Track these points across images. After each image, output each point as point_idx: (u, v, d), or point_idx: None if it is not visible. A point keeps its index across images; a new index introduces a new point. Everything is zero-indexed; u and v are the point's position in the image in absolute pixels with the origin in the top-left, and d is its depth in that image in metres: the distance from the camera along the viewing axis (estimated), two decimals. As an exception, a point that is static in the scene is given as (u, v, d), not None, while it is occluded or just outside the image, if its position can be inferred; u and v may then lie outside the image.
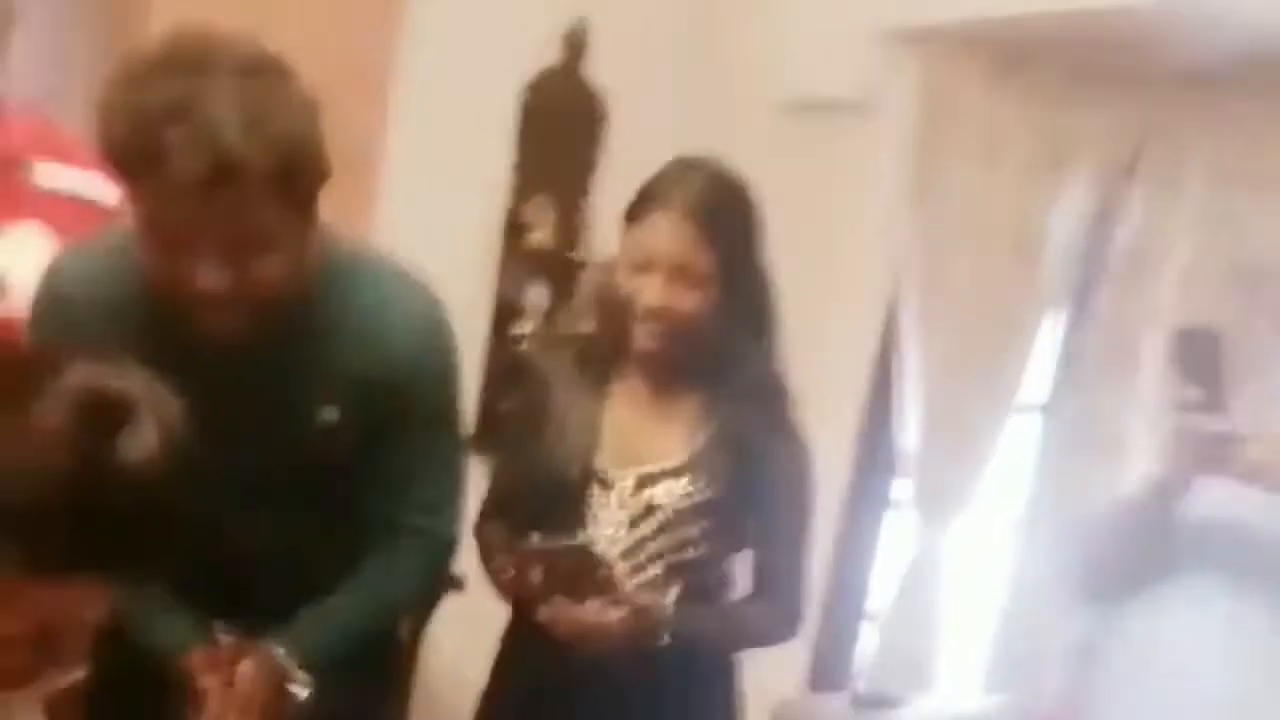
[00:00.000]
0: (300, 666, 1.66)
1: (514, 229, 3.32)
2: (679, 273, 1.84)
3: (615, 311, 1.89)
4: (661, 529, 1.90)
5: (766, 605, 1.98)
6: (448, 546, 1.82)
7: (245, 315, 1.50)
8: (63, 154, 1.84)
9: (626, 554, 1.89)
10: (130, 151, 1.38)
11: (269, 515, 1.66)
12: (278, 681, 1.65)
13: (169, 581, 1.57)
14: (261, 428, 1.60)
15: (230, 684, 1.62)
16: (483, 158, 3.25)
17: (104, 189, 1.83)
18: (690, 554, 1.91)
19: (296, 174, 1.44)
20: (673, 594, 1.90)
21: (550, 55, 3.29)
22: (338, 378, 1.64)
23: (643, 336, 1.88)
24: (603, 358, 1.95)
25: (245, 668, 1.63)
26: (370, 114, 3.05)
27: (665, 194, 1.87)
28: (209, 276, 1.43)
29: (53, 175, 1.84)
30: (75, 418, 1.11)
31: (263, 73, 1.43)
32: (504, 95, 3.28)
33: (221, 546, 1.60)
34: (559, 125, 3.32)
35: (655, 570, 1.90)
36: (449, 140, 3.16)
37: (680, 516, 1.90)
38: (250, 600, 1.66)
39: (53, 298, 1.63)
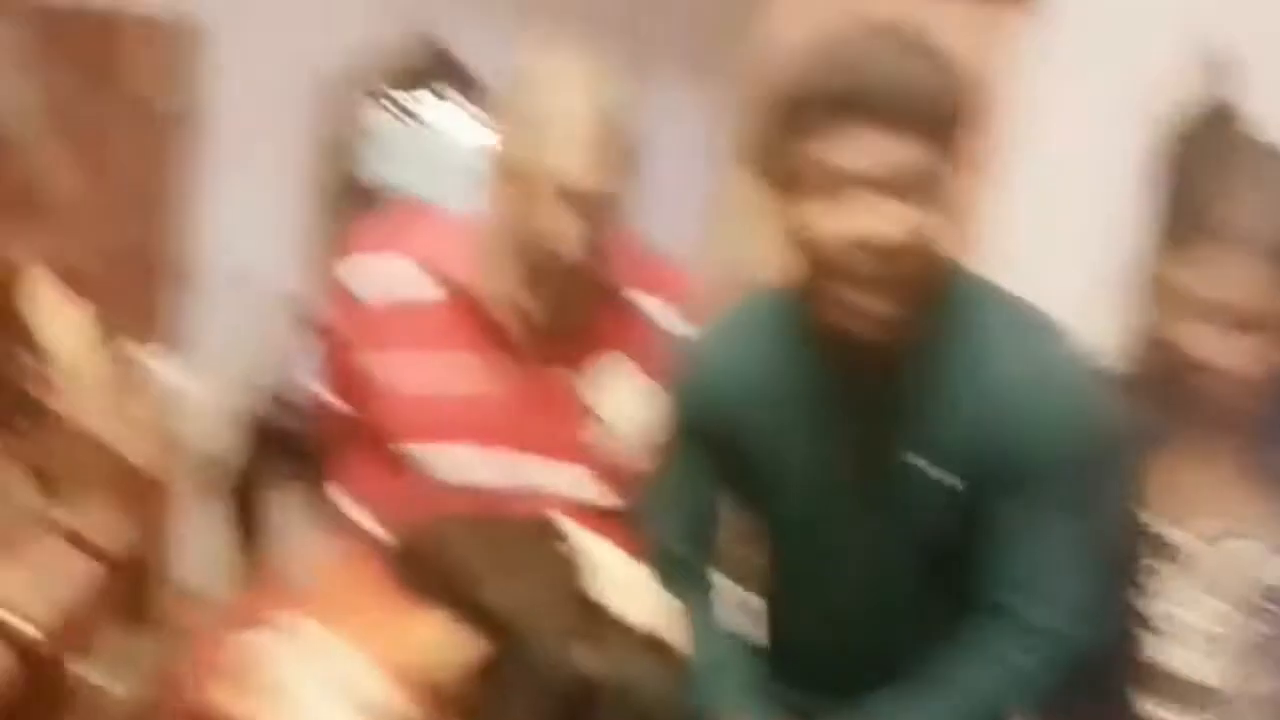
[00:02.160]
0: None
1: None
2: (1248, 324, 1.51)
3: (1168, 354, 1.58)
4: (1254, 605, 1.56)
5: None
6: (1065, 644, 1.56)
7: (882, 310, 1.46)
8: (666, 286, 1.85)
9: (1215, 640, 1.57)
10: (829, 92, 1.43)
11: (870, 577, 1.60)
12: None
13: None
14: (878, 487, 1.55)
15: None
16: (1110, 201, 3.01)
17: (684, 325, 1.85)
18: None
19: (958, 121, 1.46)
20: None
21: (1190, 86, 3.02)
22: (939, 427, 1.53)
23: (1203, 384, 1.55)
24: (1158, 407, 1.63)
25: None
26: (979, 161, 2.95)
27: (1232, 230, 1.52)
28: (870, 218, 1.43)
29: (650, 305, 1.84)
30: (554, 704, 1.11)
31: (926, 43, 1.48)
32: (1134, 131, 3.04)
33: (815, 601, 1.61)
34: (1204, 165, 2.97)
35: (1244, 651, 1.56)
36: (1059, 184, 2.96)
37: (1273, 593, 1.55)
38: (824, 670, 1.59)
39: (690, 369, 1.67)
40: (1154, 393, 1.62)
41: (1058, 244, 2.92)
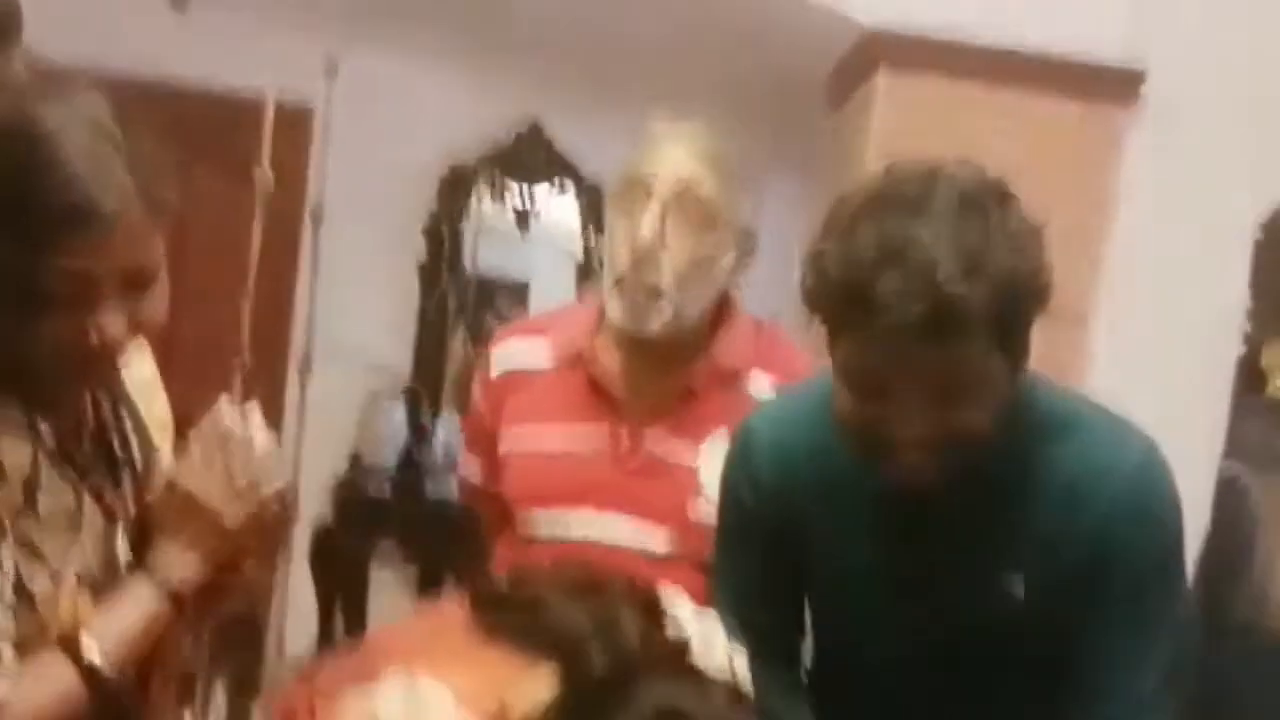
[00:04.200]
0: None
1: (1252, 376, 2.97)
2: None
3: None
4: None
5: None
6: None
7: (940, 465, 1.37)
8: (781, 373, 1.84)
9: None
10: (841, 298, 1.31)
11: (943, 695, 1.51)
12: None
13: None
14: (940, 590, 1.48)
15: None
16: (1210, 299, 3.03)
17: None
18: None
19: (1015, 314, 1.32)
20: None
21: None
22: (1031, 541, 1.45)
23: None
24: None
25: None
26: (1084, 262, 2.93)
27: None
28: (906, 424, 1.33)
29: (763, 386, 1.83)
30: None
31: (982, 204, 1.32)
32: (1237, 231, 3.08)
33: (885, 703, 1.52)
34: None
35: None
36: (1172, 281, 2.96)
37: None
38: None
39: (745, 451, 1.60)
40: None
41: (1159, 357, 2.88)
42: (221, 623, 2.04)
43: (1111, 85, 3.07)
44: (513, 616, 1.26)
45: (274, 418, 3.08)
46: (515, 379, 1.89)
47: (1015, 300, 1.31)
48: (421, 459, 4.24)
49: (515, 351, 1.93)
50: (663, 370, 1.81)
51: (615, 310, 1.78)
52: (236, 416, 1.30)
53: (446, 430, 4.31)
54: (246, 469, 1.28)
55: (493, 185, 4.38)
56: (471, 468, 1.99)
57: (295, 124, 3.60)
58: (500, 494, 1.90)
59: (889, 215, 1.30)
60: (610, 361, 1.83)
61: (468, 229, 4.44)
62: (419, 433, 4.27)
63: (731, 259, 1.80)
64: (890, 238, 1.28)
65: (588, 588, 1.29)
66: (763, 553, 1.59)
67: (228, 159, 3.43)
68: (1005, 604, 1.46)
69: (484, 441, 1.93)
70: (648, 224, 1.75)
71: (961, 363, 1.31)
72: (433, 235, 4.31)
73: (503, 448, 1.88)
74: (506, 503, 1.88)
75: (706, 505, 1.74)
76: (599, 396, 1.82)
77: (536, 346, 1.90)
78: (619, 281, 1.78)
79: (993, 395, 1.36)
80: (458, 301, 4.47)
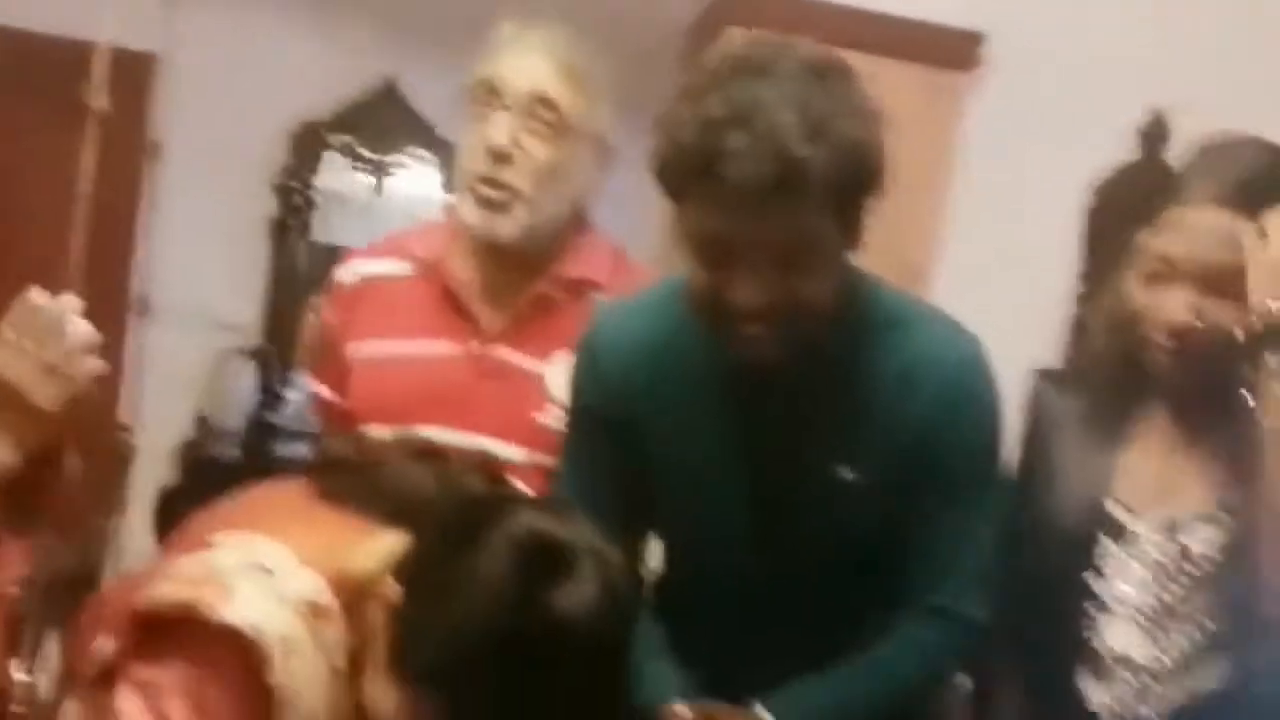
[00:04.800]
0: None
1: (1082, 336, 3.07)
2: (1210, 281, 1.50)
3: (1127, 334, 1.57)
4: (1195, 583, 1.55)
5: None
6: (972, 631, 1.57)
7: (780, 340, 1.41)
8: (632, 290, 1.83)
9: (1154, 620, 1.56)
10: (690, 159, 1.35)
11: (777, 578, 1.56)
12: None
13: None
14: (778, 481, 1.52)
15: None
16: (1045, 260, 3.14)
17: None
18: (1240, 621, 1.53)
19: (854, 185, 1.38)
20: (1217, 673, 1.55)
21: (1123, 150, 3.14)
22: (865, 427, 1.51)
23: (1163, 359, 1.54)
24: (1117, 391, 1.62)
25: None
26: (927, 221, 2.99)
27: (1188, 186, 1.53)
28: (749, 289, 1.37)
29: None
30: (513, 565, 1.09)
31: (829, 76, 1.37)
32: (1072, 194, 3.16)
33: (725, 604, 1.56)
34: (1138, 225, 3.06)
35: (1189, 637, 1.56)
36: (1009, 242, 3.06)
37: (1221, 569, 1.54)
38: (740, 670, 1.54)
39: (588, 354, 1.62)
40: (1116, 379, 1.62)
41: (995, 319, 3.01)
42: (55, 577, 1.98)
43: (952, 48, 3.16)
44: (354, 480, 1.26)
45: (113, 366, 3.01)
46: (370, 286, 1.88)
47: (855, 171, 1.36)
48: (272, 421, 4.14)
49: (369, 262, 1.91)
50: (516, 280, 1.82)
51: (469, 215, 1.78)
52: (49, 300, 1.26)
53: (298, 392, 4.20)
54: (58, 349, 1.24)
55: (344, 146, 4.30)
56: (321, 383, 1.95)
57: (136, 67, 3.49)
58: (350, 407, 1.87)
59: (738, 80, 1.35)
60: (464, 271, 1.83)
61: (318, 191, 4.33)
62: (269, 394, 4.17)
63: (586, 169, 1.81)
64: (738, 101, 1.33)
65: (428, 455, 1.30)
66: (608, 453, 1.60)
67: (65, 102, 3.31)
68: (836, 492, 1.51)
69: (334, 353, 1.90)
70: (500, 128, 1.75)
71: (801, 227, 1.35)
72: (283, 192, 4.21)
73: (352, 355, 1.86)
74: (352, 417, 1.85)
75: (555, 410, 1.75)
76: (453, 308, 1.83)
77: (392, 257, 1.89)
78: (472, 185, 1.78)
79: (829, 266, 1.41)
80: (308, 266, 4.38)
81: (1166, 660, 1.56)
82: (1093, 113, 3.13)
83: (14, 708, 2.02)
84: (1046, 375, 1.72)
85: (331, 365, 1.92)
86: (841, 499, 1.51)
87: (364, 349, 1.85)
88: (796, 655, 1.55)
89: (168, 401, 3.86)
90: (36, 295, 1.26)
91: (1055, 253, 3.18)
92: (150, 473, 3.86)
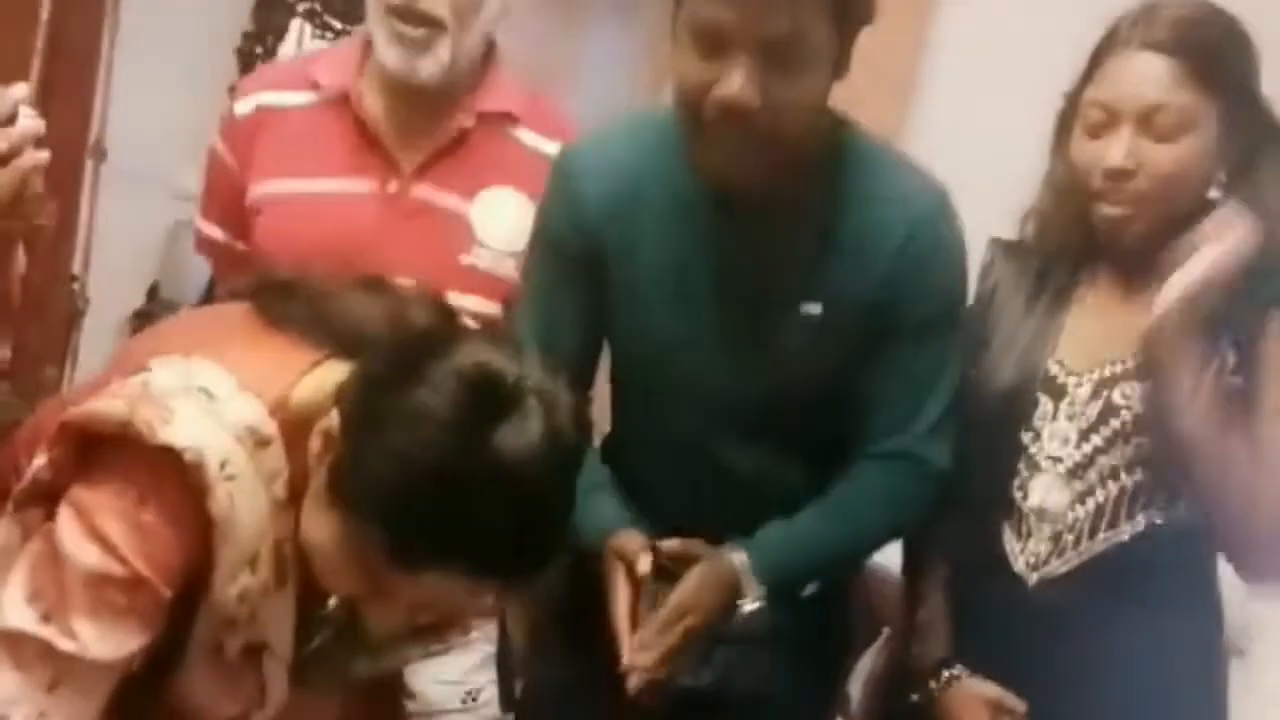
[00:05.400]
0: (759, 580, 1.51)
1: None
2: (1149, 121, 1.52)
3: (1073, 193, 1.59)
4: (1116, 438, 1.57)
5: None
6: (939, 475, 1.60)
7: (758, 148, 1.41)
8: (548, 123, 1.82)
9: (1073, 472, 1.59)
10: None
11: (737, 422, 1.57)
12: (728, 588, 1.50)
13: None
14: (744, 315, 1.52)
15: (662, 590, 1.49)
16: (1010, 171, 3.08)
17: None
18: (1156, 475, 1.56)
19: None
20: (1133, 526, 1.57)
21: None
22: (831, 265, 1.52)
23: (1105, 208, 1.55)
24: (1064, 255, 1.64)
25: (689, 575, 1.49)
26: (895, 118, 2.95)
27: (1121, 34, 1.56)
28: (739, 81, 1.37)
29: (535, 139, 1.81)
30: (458, 399, 1.07)
31: None
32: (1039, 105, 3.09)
33: (682, 455, 1.57)
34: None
35: (1108, 492, 1.58)
36: (974, 152, 3.04)
37: (1144, 424, 1.56)
38: (698, 523, 1.55)
39: (560, 179, 1.60)
40: (1062, 242, 1.64)
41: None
42: (4, 426, 1.94)
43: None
44: (299, 307, 1.24)
45: (67, 215, 2.93)
46: (268, 116, 1.79)
47: None
48: (225, 298, 4.09)
49: (266, 92, 1.81)
50: (430, 115, 1.76)
51: (387, 56, 1.71)
52: None
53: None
54: (4, 138, 1.20)
55: (310, 12, 4.20)
56: (212, 223, 1.86)
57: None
58: (247, 251, 1.80)
59: None
60: (375, 105, 1.76)
61: (283, 59, 4.26)
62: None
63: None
64: None
65: (373, 285, 1.28)
66: (571, 288, 1.60)
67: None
68: (801, 327, 1.52)
69: (229, 192, 1.80)
70: None
71: (799, 23, 1.37)
72: (246, 57, 4.12)
73: (254, 194, 1.77)
74: (253, 257, 1.78)
75: (482, 251, 1.72)
76: (365, 141, 1.76)
77: (291, 84, 1.80)
78: (388, 16, 1.70)
79: (818, 76, 1.42)
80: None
81: (1083, 513, 1.59)
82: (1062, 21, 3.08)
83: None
84: (1000, 244, 1.73)
85: (226, 205, 1.83)
86: (806, 336, 1.52)
87: (268, 187, 1.77)
88: (756, 506, 1.56)
89: (119, 267, 3.78)
90: None
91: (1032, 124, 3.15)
92: (99, 340, 3.81)
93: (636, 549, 1.51)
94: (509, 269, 1.75)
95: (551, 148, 1.77)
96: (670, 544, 1.52)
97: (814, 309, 1.52)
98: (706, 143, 1.43)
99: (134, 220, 3.86)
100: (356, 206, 1.74)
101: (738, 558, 1.52)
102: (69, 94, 2.83)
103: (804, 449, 1.60)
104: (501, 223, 1.76)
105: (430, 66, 1.71)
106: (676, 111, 1.45)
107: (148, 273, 4.15)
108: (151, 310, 4.13)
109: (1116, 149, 1.53)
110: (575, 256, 1.58)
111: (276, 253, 1.73)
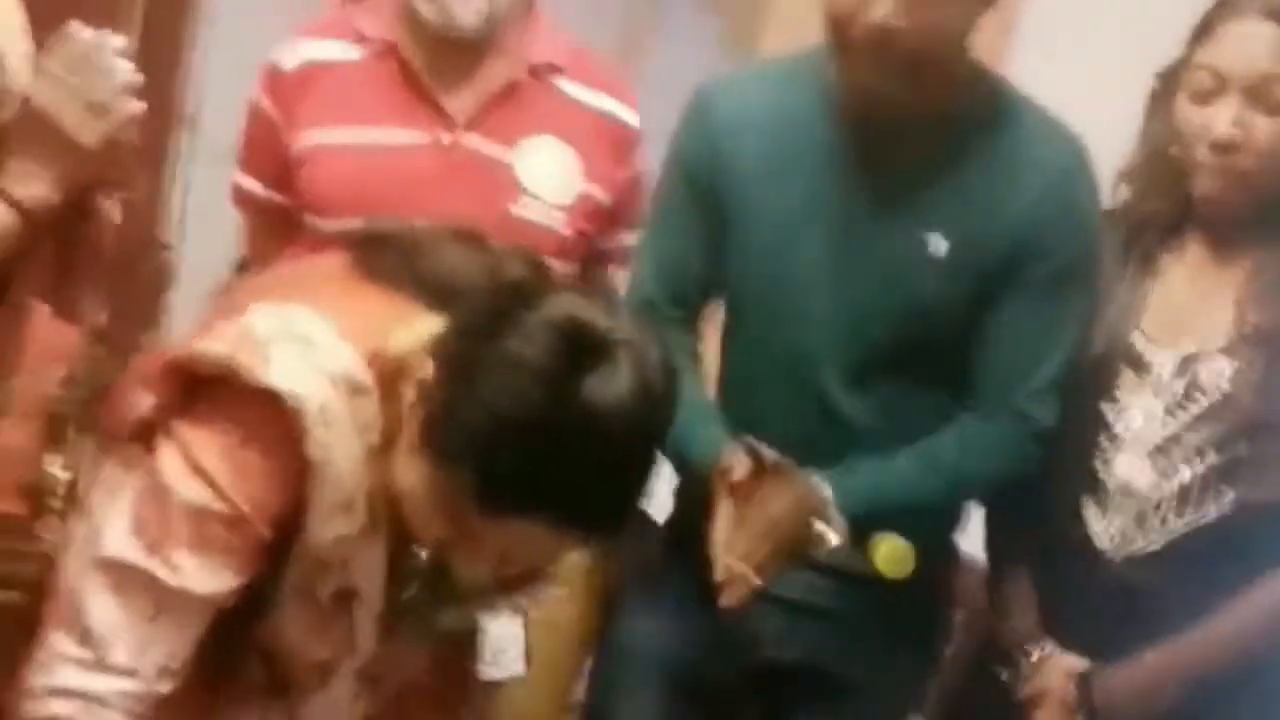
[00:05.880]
0: (840, 510, 1.52)
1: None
2: (1258, 92, 1.50)
3: (1172, 157, 1.56)
4: (1205, 415, 1.56)
5: None
6: (1044, 434, 1.59)
7: (903, 71, 1.46)
8: (592, 75, 1.84)
9: (1160, 449, 1.57)
10: None
11: (851, 359, 1.59)
12: (808, 513, 1.51)
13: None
14: (868, 246, 1.56)
15: (757, 500, 1.50)
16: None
17: (629, 114, 1.84)
18: (1242, 453, 1.54)
19: None
20: (1218, 505, 1.55)
21: None
22: (960, 207, 1.54)
23: (1206, 179, 1.54)
24: (1155, 221, 1.62)
25: (779, 488, 1.50)
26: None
27: (1243, 1, 1.53)
28: (884, 6, 1.42)
29: (579, 91, 1.82)
30: (549, 348, 1.08)
31: None
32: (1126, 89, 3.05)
33: (792, 390, 1.60)
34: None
35: (1195, 470, 1.56)
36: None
37: (1230, 402, 1.54)
38: (811, 461, 1.55)
39: (700, 112, 1.63)
40: (1156, 209, 1.62)
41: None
42: (98, 387, 1.97)
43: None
44: (395, 259, 1.25)
45: (156, 179, 2.98)
46: (315, 71, 1.79)
47: None
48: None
49: (312, 44, 1.82)
50: (474, 65, 1.77)
51: (423, 7, 1.72)
52: (93, 34, 1.24)
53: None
54: (102, 86, 1.22)
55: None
56: (251, 177, 1.87)
57: None
58: (286, 203, 1.81)
59: None
60: (418, 56, 1.77)
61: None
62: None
63: None
64: None
65: (468, 238, 1.29)
66: (700, 204, 1.63)
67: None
68: (927, 264, 1.53)
69: (271, 144, 1.81)
70: None
71: None
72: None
73: (301, 144, 1.78)
74: (296, 209, 1.79)
75: (530, 202, 1.74)
76: (415, 94, 1.77)
77: (336, 33, 1.81)
78: None
79: (964, 7, 1.47)
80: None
81: (1167, 490, 1.57)
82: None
83: (51, 501, 2.07)
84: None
85: (268, 159, 1.83)
86: (931, 275, 1.54)
87: (317, 137, 1.78)
88: (859, 444, 1.57)
89: (208, 239, 3.83)
90: (80, 28, 1.24)
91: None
92: (188, 311, 3.86)
93: (738, 462, 1.51)
94: (559, 222, 1.77)
95: (595, 99, 1.80)
96: (769, 452, 1.52)
97: (941, 247, 1.53)
98: (853, 65, 1.47)
99: (224, 194, 3.91)
100: (409, 157, 1.76)
101: (825, 488, 1.53)
102: (164, 63, 2.88)
103: (916, 400, 1.61)
104: (547, 173, 1.77)
105: (468, 15, 1.71)
106: (826, 34, 1.49)
107: (235, 247, 4.20)
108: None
109: (1225, 118, 1.51)
110: (700, 176, 1.62)
111: (323, 203, 1.75)
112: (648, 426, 1.13)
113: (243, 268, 4.30)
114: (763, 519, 1.49)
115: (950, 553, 1.77)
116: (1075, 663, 1.62)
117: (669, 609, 1.69)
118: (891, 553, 1.53)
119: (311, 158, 1.78)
